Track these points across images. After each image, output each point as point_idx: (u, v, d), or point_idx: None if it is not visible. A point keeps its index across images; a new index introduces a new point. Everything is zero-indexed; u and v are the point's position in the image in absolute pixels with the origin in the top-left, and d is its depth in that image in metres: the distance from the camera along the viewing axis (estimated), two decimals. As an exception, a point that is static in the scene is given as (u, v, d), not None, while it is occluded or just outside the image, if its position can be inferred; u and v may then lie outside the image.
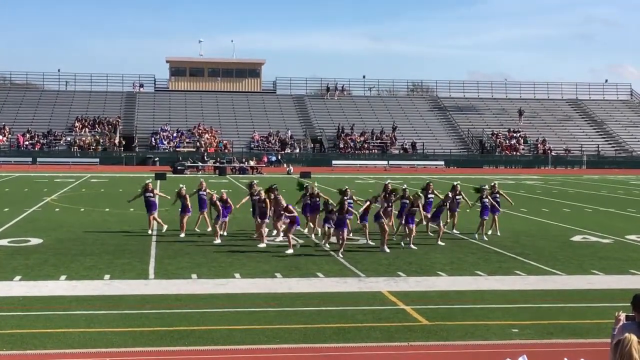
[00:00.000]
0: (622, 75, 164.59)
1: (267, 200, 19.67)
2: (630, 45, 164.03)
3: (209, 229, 21.04)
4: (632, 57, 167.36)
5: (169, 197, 22.71)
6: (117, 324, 11.38)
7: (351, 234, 19.75)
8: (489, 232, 21.35)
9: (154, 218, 21.33)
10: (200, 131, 68.09)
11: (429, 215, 20.92)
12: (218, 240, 19.56)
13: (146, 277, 15.05)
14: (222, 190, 21.35)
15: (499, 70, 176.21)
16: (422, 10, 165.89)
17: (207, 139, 66.40)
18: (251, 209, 20.79)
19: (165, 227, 21.22)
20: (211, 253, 17.97)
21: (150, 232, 21.00)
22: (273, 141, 67.70)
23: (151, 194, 21.40)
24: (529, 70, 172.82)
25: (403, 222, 19.69)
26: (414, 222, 19.32)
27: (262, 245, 18.98)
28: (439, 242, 19.75)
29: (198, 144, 65.16)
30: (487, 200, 21.08)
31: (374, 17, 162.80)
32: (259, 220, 19.56)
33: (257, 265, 16.36)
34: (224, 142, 66.50)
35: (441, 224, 20.22)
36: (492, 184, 22.80)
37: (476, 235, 20.91)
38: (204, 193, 21.69)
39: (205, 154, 60.52)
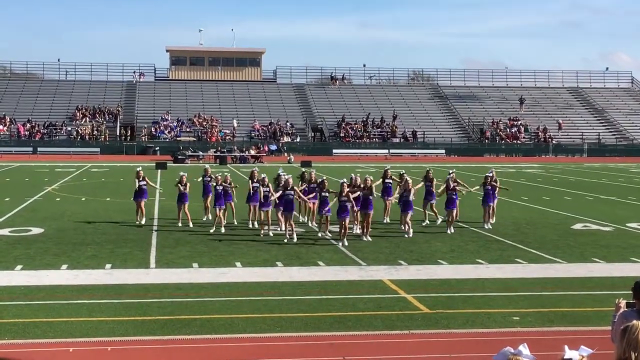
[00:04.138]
0: (616, 63, 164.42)
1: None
2: (621, 33, 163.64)
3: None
4: (623, 44, 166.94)
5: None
6: (118, 313, 11.40)
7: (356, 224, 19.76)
8: (492, 221, 21.33)
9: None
10: (201, 120, 68.08)
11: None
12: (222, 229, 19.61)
13: (147, 266, 15.07)
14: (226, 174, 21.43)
15: (491, 59, 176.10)
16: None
17: (212, 126, 66.54)
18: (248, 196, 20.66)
19: (191, 224, 20.63)
20: (212, 242, 17.99)
21: (180, 224, 20.68)
22: (273, 130, 67.64)
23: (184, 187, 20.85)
24: (521, 58, 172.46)
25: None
26: (412, 209, 19.28)
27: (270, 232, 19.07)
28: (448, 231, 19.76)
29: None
30: (489, 187, 21.08)
31: (370, 5, 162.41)
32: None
33: (257, 254, 16.38)
34: (232, 126, 66.64)
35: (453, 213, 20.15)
36: (491, 171, 22.73)
37: (485, 225, 20.82)
38: (208, 179, 21.47)
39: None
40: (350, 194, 18.21)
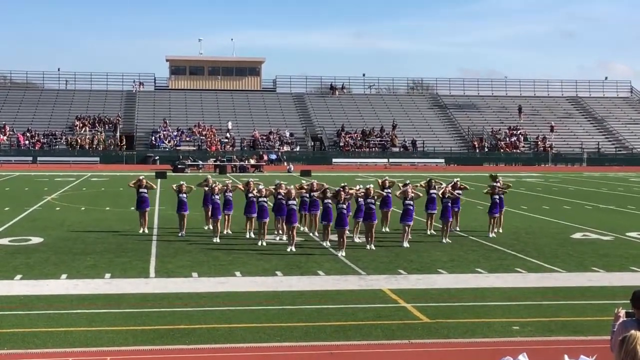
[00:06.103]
0: (612, 72, 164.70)
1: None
2: (616, 43, 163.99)
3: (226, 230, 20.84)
4: (618, 54, 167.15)
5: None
6: (118, 322, 11.39)
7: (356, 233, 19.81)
8: (498, 230, 21.34)
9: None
10: (201, 129, 68.14)
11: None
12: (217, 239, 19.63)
13: (147, 276, 15.07)
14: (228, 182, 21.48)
15: (488, 68, 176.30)
16: (412, 8, 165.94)
17: (209, 135, 66.63)
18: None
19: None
20: (211, 251, 17.99)
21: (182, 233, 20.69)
22: (273, 139, 67.72)
23: (184, 195, 20.75)
24: (517, 68, 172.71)
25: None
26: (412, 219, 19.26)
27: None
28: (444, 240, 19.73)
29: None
30: (496, 197, 21.11)
31: (370, 15, 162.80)
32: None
33: (257, 264, 16.37)
34: (227, 129, 66.63)
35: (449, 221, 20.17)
36: (497, 180, 22.78)
37: (489, 234, 20.82)
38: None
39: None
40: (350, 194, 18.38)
